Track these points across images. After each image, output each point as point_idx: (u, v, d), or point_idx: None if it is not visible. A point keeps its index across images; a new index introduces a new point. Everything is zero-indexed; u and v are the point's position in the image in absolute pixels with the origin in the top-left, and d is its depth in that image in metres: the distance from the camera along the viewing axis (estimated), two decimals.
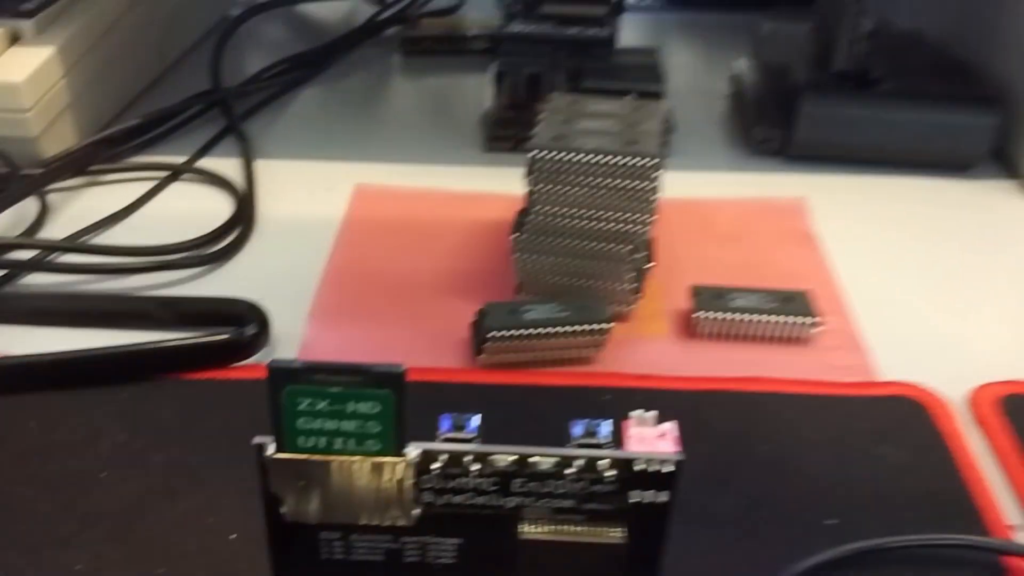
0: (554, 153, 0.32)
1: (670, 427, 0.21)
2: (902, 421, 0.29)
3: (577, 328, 0.31)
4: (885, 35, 0.51)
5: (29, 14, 0.44)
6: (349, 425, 0.20)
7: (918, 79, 0.45)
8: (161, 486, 0.27)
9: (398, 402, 0.19)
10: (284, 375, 0.19)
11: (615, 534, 0.21)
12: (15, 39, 0.43)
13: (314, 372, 0.19)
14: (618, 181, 0.32)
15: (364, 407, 0.20)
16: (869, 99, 0.44)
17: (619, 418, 0.21)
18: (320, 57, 0.55)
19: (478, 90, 0.52)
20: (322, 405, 0.20)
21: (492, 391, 0.30)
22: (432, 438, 0.21)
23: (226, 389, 0.31)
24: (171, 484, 0.27)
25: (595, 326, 0.32)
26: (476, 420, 0.21)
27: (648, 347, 0.33)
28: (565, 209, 0.33)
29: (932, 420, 0.29)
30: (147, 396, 0.30)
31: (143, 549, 0.25)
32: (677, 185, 0.43)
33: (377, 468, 0.20)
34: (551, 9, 0.52)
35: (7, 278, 0.36)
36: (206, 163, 0.45)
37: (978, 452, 0.29)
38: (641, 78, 0.49)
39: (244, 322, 0.33)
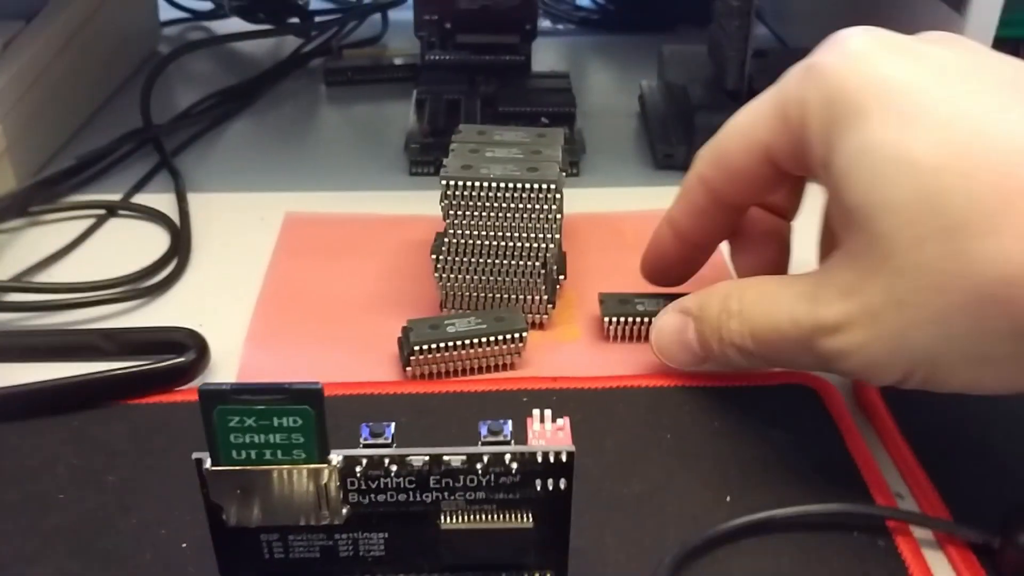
0: (463, 181, 0.34)
1: (564, 422, 0.24)
2: (796, 406, 0.33)
3: (495, 338, 0.34)
4: (775, 55, 0.55)
5: None
6: (276, 438, 0.22)
7: None
8: (116, 503, 0.29)
9: (317, 415, 0.22)
10: (214, 396, 0.22)
11: (524, 521, 0.24)
12: None
13: (240, 393, 0.22)
14: (523, 205, 0.35)
15: (288, 421, 0.22)
16: None
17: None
18: (248, 90, 0.57)
19: (401, 116, 0.55)
20: (250, 421, 0.22)
21: (420, 400, 0.33)
22: (357, 446, 0.24)
23: (170, 411, 0.33)
24: (125, 501, 0.29)
25: (512, 335, 0.34)
26: (391, 427, 0.24)
27: (563, 352, 0.36)
28: (478, 231, 0.35)
29: (823, 404, 0.33)
30: (98, 421, 0.33)
31: (103, 561, 0.27)
32: (588, 200, 0.46)
33: (305, 474, 0.23)
34: (467, 38, 0.56)
35: None
36: (141, 199, 0.47)
37: (864, 433, 0.32)
38: (554, 101, 0.52)
39: (184, 349, 0.35)
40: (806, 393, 0.33)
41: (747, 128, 0.31)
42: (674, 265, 0.36)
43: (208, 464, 0.23)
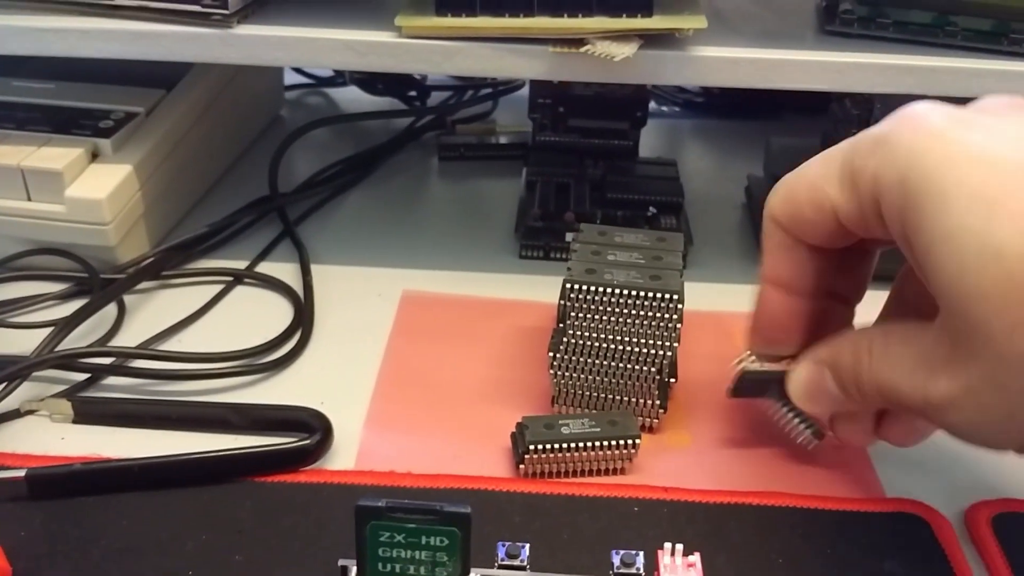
0: (587, 285, 0.36)
1: (695, 559, 0.24)
2: (907, 536, 0.33)
3: (609, 442, 0.35)
4: None
5: (107, 133, 0.48)
6: (422, 555, 0.24)
7: None
8: None
9: (463, 538, 0.23)
10: (369, 512, 0.23)
11: None
12: (95, 156, 0.48)
13: (394, 511, 0.23)
14: (644, 312, 0.36)
15: (435, 540, 0.23)
16: None
17: (647, 531, 0.25)
18: (366, 161, 0.60)
19: (509, 194, 0.57)
20: (400, 538, 0.23)
21: (532, 500, 0.34)
22: (485, 552, 0.25)
23: (294, 491, 0.35)
24: None
25: (625, 440, 0.35)
26: (526, 549, 0.25)
27: (673, 458, 0.37)
28: (596, 334, 0.36)
29: (934, 536, 0.33)
30: (226, 497, 0.34)
31: None
32: (696, 297, 0.47)
33: None
34: (578, 122, 0.57)
35: (91, 381, 0.41)
36: (265, 267, 0.49)
37: (973, 567, 0.32)
38: (662, 190, 0.53)
39: (309, 429, 0.37)
40: (917, 523, 0.33)
41: (818, 185, 0.31)
42: (786, 323, 0.35)
43: (354, 573, 0.24)
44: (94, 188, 0.46)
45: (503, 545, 0.25)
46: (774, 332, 0.35)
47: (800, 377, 0.34)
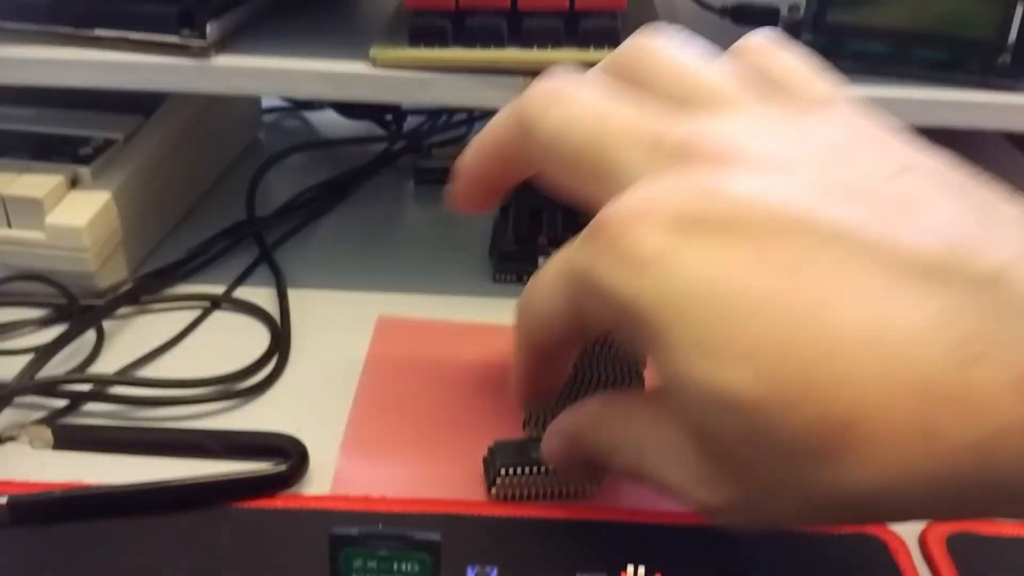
0: None
1: None
2: (864, 557, 0.34)
3: None
4: None
5: (86, 160, 0.49)
6: None
7: None
8: None
9: (434, 563, 0.24)
10: (342, 540, 0.24)
11: None
12: (74, 183, 0.49)
13: (367, 538, 0.24)
14: (614, 347, 0.37)
15: (407, 566, 0.24)
16: None
17: (612, 553, 0.27)
18: (342, 185, 0.61)
19: (484, 218, 0.58)
20: (372, 564, 0.24)
21: (502, 523, 0.35)
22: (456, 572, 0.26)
23: (270, 517, 0.35)
24: None
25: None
26: (495, 572, 0.26)
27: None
28: None
29: (891, 556, 0.34)
30: (204, 523, 0.35)
31: None
32: None
33: None
34: None
35: (70, 407, 0.41)
36: (242, 292, 0.50)
37: None
38: None
39: (286, 455, 0.37)
40: (874, 544, 0.34)
41: (545, 319, 0.30)
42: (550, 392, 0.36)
43: None
44: (74, 215, 0.47)
45: (472, 568, 0.26)
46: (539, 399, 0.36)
47: (548, 450, 0.34)
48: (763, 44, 0.31)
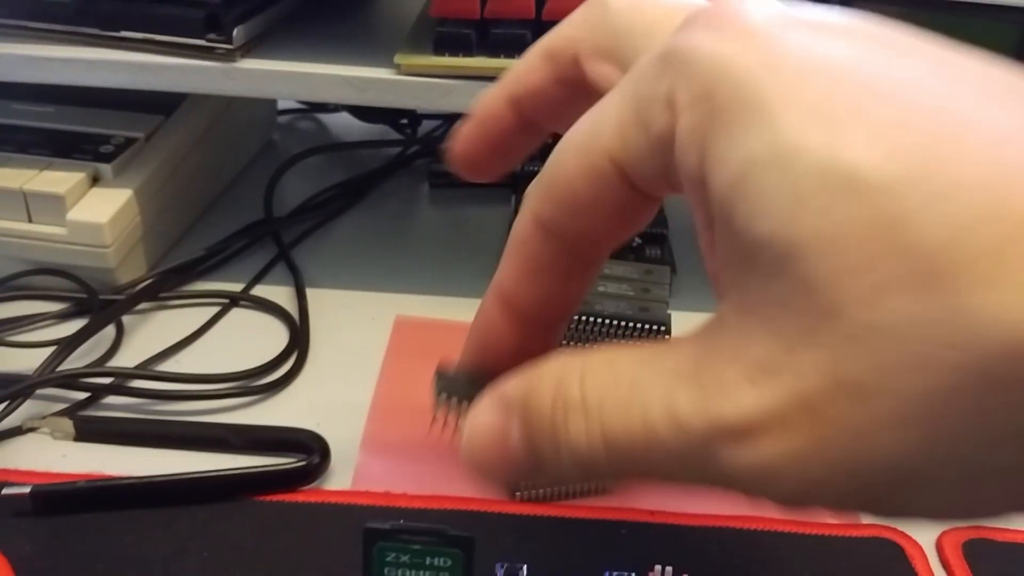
0: (577, 315, 0.37)
1: None
2: (882, 561, 0.35)
3: None
4: None
5: (108, 158, 0.49)
6: (426, 575, 0.25)
7: None
8: None
9: (467, 560, 0.25)
10: (377, 534, 0.25)
11: None
12: (95, 180, 0.49)
13: (400, 532, 0.25)
14: (632, 342, 0.37)
15: (439, 561, 0.25)
16: None
17: (635, 553, 0.27)
18: (358, 187, 0.61)
19: (497, 221, 0.58)
20: (405, 558, 0.25)
21: (525, 521, 0.36)
22: (483, 572, 0.26)
23: (292, 510, 0.36)
24: None
25: None
26: (525, 570, 0.26)
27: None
28: None
29: (909, 562, 0.35)
30: (226, 516, 0.35)
31: None
32: (678, 324, 0.48)
33: None
34: None
35: (91, 400, 0.42)
36: (260, 290, 0.51)
37: None
38: None
39: (308, 450, 0.38)
40: (891, 548, 0.35)
41: (588, 143, 0.21)
42: (507, 360, 0.24)
43: None
44: (95, 212, 0.47)
45: (501, 566, 0.26)
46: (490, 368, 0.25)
47: (474, 426, 0.22)
48: None
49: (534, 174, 0.61)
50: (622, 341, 0.37)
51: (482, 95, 0.27)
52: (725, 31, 0.18)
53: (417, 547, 0.24)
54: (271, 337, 0.47)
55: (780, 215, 0.16)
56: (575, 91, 0.25)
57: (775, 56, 0.17)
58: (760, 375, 0.16)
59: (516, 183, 0.60)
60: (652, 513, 0.36)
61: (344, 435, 0.40)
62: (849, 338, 0.15)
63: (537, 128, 0.27)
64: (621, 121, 0.20)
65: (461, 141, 0.28)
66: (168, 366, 0.45)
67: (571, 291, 0.24)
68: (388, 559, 0.25)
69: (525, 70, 0.26)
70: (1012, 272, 0.14)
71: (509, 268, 0.24)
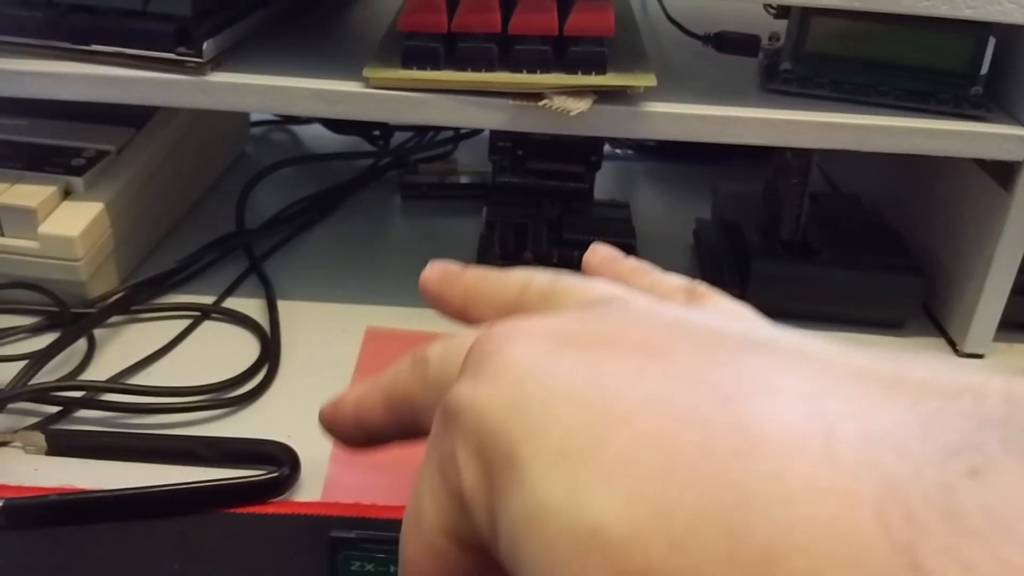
0: None
1: None
2: None
3: None
4: (826, 199, 0.59)
5: (79, 171, 0.50)
6: None
7: (853, 248, 0.52)
8: None
9: None
10: (341, 543, 0.25)
11: None
12: (67, 193, 0.49)
13: (365, 542, 0.25)
14: None
15: None
16: (811, 266, 0.51)
17: None
18: (330, 199, 0.62)
19: (469, 232, 0.59)
20: (369, 567, 0.25)
21: None
22: None
23: (263, 522, 0.36)
24: None
25: None
26: None
27: None
28: None
29: None
30: (197, 528, 0.36)
31: None
32: None
33: None
34: (536, 165, 0.60)
35: (63, 414, 0.42)
36: (231, 303, 0.51)
37: None
38: (616, 231, 0.56)
39: (278, 462, 0.38)
40: None
41: (417, 523, 0.19)
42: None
43: None
44: (67, 225, 0.47)
45: None
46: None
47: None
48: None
49: (504, 185, 0.62)
50: None
51: (368, 382, 0.27)
52: (481, 375, 0.18)
53: (382, 555, 0.25)
54: (243, 350, 0.47)
55: None
56: (419, 431, 0.25)
57: (523, 395, 0.17)
58: None
59: (487, 195, 0.60)
60: None
61: (315, 447, 0.40)
62: None
63: (386, 442, 0.27)
64: (433, 490, 0.19)
65: (324, 418, 0.29)
66: (140, 379, 0.45)
67: None
68: (353, 568, 0.25)
69: (369, 406, 0.26)
70: None
71: None
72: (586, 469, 0.16)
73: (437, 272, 0.30)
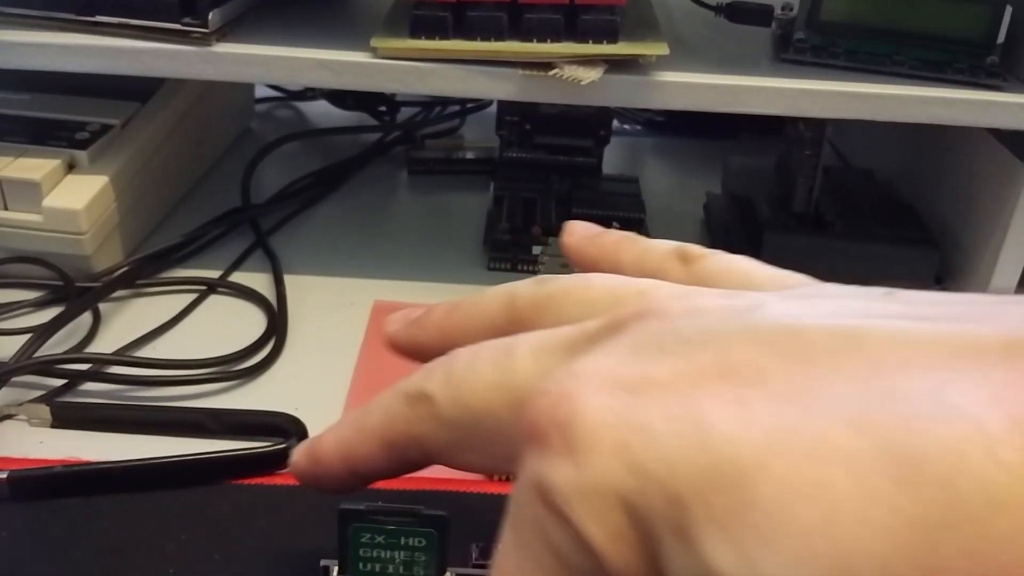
0: None
1: None
2: None
3: None
4: (838, 173, 0.58)
5: (84, 144, 0.49)
6: (401, 555, 0.25)
7: (867, 221, 0.51)
8: None
9: (441, 539, 0.25)
10: (351, 515, 0.25)
11: None
12: (71, 167, 0.49)
13: (375, 513, 0.25)
14: None
15: (413, 541, 0.25)
16: (825, 239, 0.50)
17: None
18: (336, 174, 0.61)
19: (477, 208, 0.58)
20: (380, 539, 0.25)
21: (502, 501, 0.35)
22: (459, 551, 0.26)
23: (271, 493, 0.36)
24: None
25: None
26: None
27: None
28: None
29: None
30: (205, 500, 0.35)
31: None
32: None
33: None
34: (544, 139, 0.59)
35: (68, 386, 0.42)
36: (238, 277, 0.51)
37: None
38: (624, 206, 0.56)
39: (285, 433, 0.38)
40: None
41: None
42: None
43: (335, 573, 0.26)
44: (71, 199, 0.47)
45: (477, 545, 0.26)
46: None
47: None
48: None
49: (512, 160, 0.61)
50: None
51: (318, 444, 0.25)
52: (572, 451, 0.16)
53: (392, 527, 0.25)
54: (249, 323, 0.47)
55: None
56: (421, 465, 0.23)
57: (638, 462, 0.16)
58: None
59: (495, 170, 0.60)
60: None
61: (323, 419, 0.39)
62: None
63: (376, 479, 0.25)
64: None
65: (298, 471, 0.26)
66: (145, 353, 0.44)
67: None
68: (363, 539, 0.25)
69: (366, 453, 0.24)
70: None
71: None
72: (743, 532, 0.14)
73: (400, 321, 0.27)
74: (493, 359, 0.20)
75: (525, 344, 0.19)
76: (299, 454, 0.25)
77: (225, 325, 0.47)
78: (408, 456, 0.22)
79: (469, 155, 0.64)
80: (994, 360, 0.14)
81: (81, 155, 0.49)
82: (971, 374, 0.14)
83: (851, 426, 0.14)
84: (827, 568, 0.13)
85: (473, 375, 0.20)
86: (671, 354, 0.17)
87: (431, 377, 0.21)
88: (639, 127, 0.73)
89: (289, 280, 0.50)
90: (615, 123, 0.70)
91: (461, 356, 0.21)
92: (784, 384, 0.15)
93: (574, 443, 0.16)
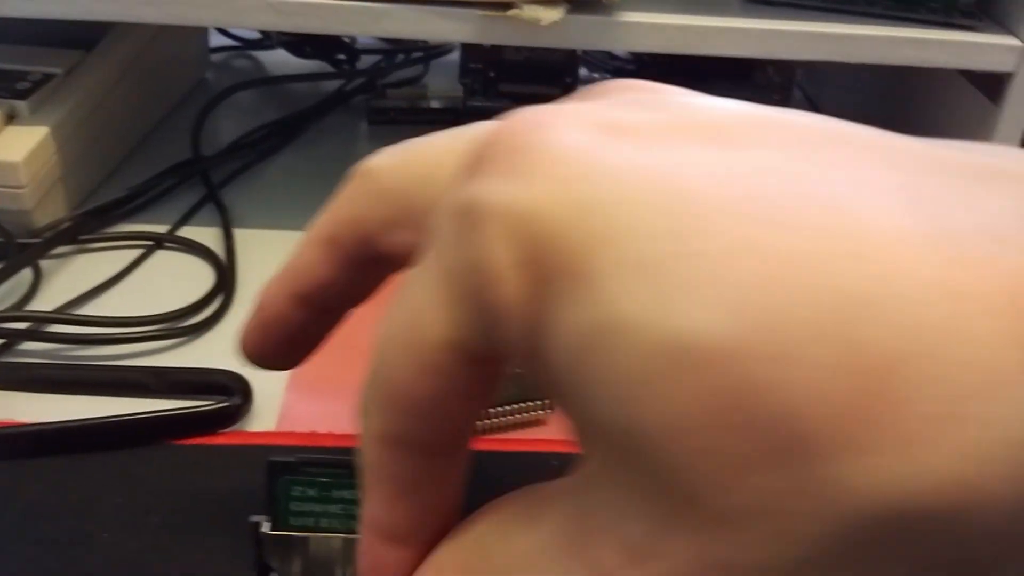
0: None
1: None
2: None
3: (527, 401, 0.36)
4: None
5: (24, 94, 0.47)
6: (334, 508, 0.24)
7: None
8: (158, 546, 0.31)
9: None
10: (280, 468, 0.23)
11: None
12: (11, 118, 0.47)
13: (306, 465, 0.23)
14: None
15: (347, 494, 0.23)
16: None
17: None
18: (293, 124, 0.59)
19: None
20: (312, 492, 0.23)
21: None
22: None
23: (212, 453, 0.34)
24: (167, 544, 0.31)
25: (542, 399, 0.36)
26: None
27: None
28: None
29: None
30: (142, 461, 0.34)
31: None
32: None
33: (352, 541, 0.24)
34: (509, 88, 0.57)
35: (6, 347, 0.40)
36: (187, 231, 0.49)
37: None
38: None
39: (230, 392, 0.36)
40: None
41: (414, 339, 0.17)
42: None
43: (266, 528, 0.24)
44: (9, 151, 0.45)
45: None
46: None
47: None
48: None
49: (476, 110, 0.59)
50: None
51: (263, 290, 0.24)
52: (519, 173, 0.15)
53: (324, 479, 0.23)
54: (198, 280, 0.45)
55: (620, 400, 0.14)
56: (370, 269, 0.23)
57: (588, 195, 0.15)
58: (637, 560, 0.15)
59: (459, 119, 0.58)
60: None
61: (271, 377, 0.38)
62: (712, 521, 0.14)
63: (333, 313, 0.25)
64: (438, 302, 0.17)
65: (248, 338, 0.25)
66: (89, 310, 0.43)
67: (453, 482, 0.21)
68: (294, 493, 0.23)
69: (306, 263, 0.24)
70: (873, 431, 0.13)
71: (376, 502, 0.20)
72: (673, 279, 0.14)
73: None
74: (447, 133, 0.20)
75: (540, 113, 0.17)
76: (242, 330, 0.25)
77: (173, 281, 0.45)
78: (348, 251, 0.22)
79: (433, 104, 0.62)
80: (975, 182, 0.14)
81: (21, 105, 0.47)
82: (947, 185, 0.14)
83: (820, 204, 0.14)
84: (747, 322, 0.13)
85: (423, 143, 0.20)
86: (660, 113, 0.16)
87: (377, 158, 0.22)
88: (608, 75, 0.71)
89: (241, 235, 0.48)
90: (583, 71, 0.68)
91: (416, 141, 0.21)
92: (768, 158, 0.15)
93: (520, 166, 0.15)
